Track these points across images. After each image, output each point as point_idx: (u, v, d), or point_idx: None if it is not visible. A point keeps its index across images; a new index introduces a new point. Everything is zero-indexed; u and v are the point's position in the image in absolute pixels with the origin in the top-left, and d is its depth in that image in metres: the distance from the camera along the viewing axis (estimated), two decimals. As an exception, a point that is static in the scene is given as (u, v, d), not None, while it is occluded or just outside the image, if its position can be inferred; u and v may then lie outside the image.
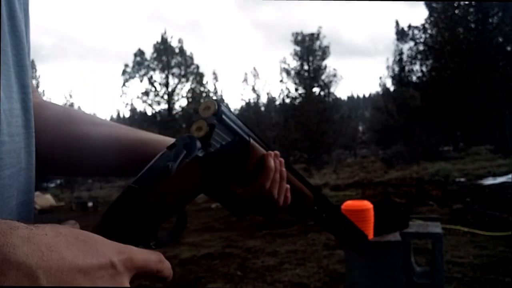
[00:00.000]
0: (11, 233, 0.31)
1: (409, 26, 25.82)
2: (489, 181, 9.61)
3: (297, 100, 28.31)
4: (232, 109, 0.57)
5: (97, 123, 0.63)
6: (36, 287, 0.31)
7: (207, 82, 27.92)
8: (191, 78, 27.48)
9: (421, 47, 25.74)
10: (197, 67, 27.69)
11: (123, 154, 0.60)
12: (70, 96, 35.09)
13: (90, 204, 13.70)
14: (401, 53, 26.71)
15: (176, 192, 0.46)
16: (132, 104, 27.61)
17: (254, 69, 35.42)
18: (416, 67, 26.23)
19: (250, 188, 0.58)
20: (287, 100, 28.81)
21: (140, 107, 28.44)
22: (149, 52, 27.30)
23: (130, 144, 0.61)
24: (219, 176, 0.52)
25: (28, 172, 0.50)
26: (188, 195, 0.48)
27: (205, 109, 0.51)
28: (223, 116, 0.51)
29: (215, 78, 33.26)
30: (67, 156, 0.60)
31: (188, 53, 27.52)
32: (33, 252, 0.31)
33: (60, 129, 0.60)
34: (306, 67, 28.62)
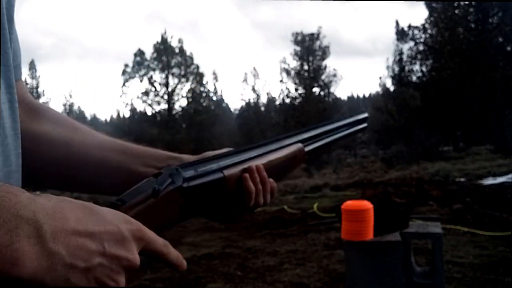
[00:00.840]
0: (20, 194, 0.34)
1: (409, 26, 25.84)
2: (489, 181, 9.62)
3: (297, 100, 28.33)
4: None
5: (93, 144, 0.61)
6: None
7: (207, 82, 27.95)
8: (191, 78, 27.49)
9: (421, 47, 25.76)
10: (197, 67, 27.72)
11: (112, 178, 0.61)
12: (70, 96, 35.06)
13: (90, 204, 13.68)
14: (401, 53, 26.72)
15: (156, 217, 0.48)
16: (132, 104, 27.63)
17: (254, 69, 35.49)
18: (416, 67, 26.26)
19: (234, 211, 0.61)
20: (287, 100, 28.84)
21: (140, 107, 28.39)
22: (149, 52, 27.32)
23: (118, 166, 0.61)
24: (199, 207, 0.54)
25: (17, 175, 0.49)
26: (167, 221, 0.50)
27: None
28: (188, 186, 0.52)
29: (215, 78, 33.27)
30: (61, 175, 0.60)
31: (188, 53, 27.54)
32: (39, 211, 0.34)
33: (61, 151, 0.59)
34: (306, 67, 28.63)
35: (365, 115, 0.83)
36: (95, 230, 0.37)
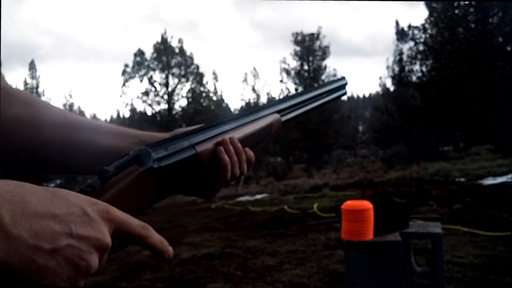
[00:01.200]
0: None
1: (409, 26, 25.84)
2: (489, 181, 9.61)
3: (297, 100, 28.26)
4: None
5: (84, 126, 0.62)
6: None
7: (207, 82, 27.95)
8: (191, 78, 27.49)
9: (421, 47, 25.76)
10: (197, 67, 27.71)
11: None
12: (70, 96, 35.09)
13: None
14: (401, 53, 26.72)
15: (130, 199, 0.47)
16: (132, 104, 27.63)
17: (254, 69, 35.48)
18: (416, 67, 26.26)
19: (212, 185, 0.60)
20: (287, 100, 28.77)
21: (140, 107, 28.45)
22: (149, 52, 27.32)
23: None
24: (175, 185, 0.54)
25: None
26: (143, 202, 0.49)
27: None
28: (158, 166, 0.51)
29: (215, 78, 33.26)
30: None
31: (188, 53, 27.53)
32: None
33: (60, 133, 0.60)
34: (306, 67, 28.63)
35: (345, 81, 0.81)
36: (59, 212, 0.37)
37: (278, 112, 0.69)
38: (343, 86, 0.81)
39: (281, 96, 29.12)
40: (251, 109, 0.66)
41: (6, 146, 0.56)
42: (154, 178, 0.49)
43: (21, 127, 0.57)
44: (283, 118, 0.70)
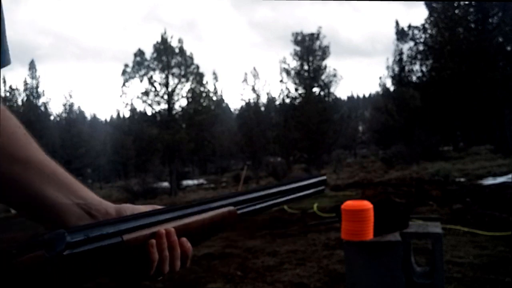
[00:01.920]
0: None
1: (409, 26, 25.85)
2: (489, 181, 9.62)
3: (297, 100, 28.30)
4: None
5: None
6: None
7: (207, 82, 27.92)
8: (191, 78, 27.46)
9: (421, 47, 25.76)
10: (197, 67, 27.68)
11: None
12: (70, 96, 35.06)
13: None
14: (401, 53, 26.76)
15: (22, 284, 0.44)
16: (132, 104, 27.58)
17: (254, 69, 35.45)
18: (416, 67, 26.27)
19: (134, 277, 0.55)
20: (287, 100, 28.81)
21: (140, 107, 28.29)
22: (149, 52, 27.29)
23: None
24: (92, 272, 0.50)
25: None
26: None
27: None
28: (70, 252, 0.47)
29: (215, 78, 33.27)
30: None
31: (188, 53, 27.52)
32: None
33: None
34: (306, 67, 28.60)
35: (323, 177, 0.77)
36: None
37: (234, 204, 0.65)
38: (320, 183, 0.77)
39: (281, 97, 29.12)
40: (203, 200, 0.62)
41: None
42: (63, 265, 0.46)
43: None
44: (240, 211, 0.65)
